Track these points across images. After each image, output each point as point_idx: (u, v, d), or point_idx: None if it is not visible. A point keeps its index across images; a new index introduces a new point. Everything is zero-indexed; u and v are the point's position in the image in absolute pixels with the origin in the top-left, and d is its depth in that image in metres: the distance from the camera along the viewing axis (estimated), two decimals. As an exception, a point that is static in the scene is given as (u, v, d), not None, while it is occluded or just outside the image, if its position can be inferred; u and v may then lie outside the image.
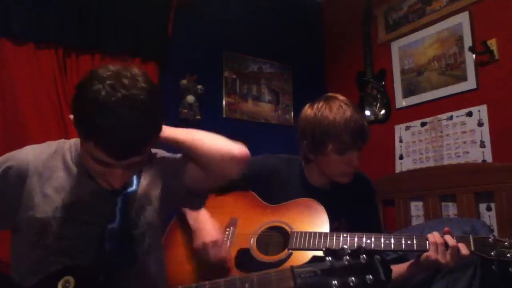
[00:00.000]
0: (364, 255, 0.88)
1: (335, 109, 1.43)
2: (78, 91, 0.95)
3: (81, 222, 1.05)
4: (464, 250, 1.21)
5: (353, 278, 0.86)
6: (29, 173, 1.05)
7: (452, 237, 1.24)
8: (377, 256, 0.88)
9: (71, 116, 0.99)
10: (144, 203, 1.15)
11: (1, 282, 1.05)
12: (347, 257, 0.88)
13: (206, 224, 1.45)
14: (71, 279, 0.95)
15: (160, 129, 1.02)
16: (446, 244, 1.22)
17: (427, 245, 1.26)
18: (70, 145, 1.13)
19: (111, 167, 0.97)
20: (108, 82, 0.91)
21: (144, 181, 1.17)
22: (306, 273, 0.89)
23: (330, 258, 0.89)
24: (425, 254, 1.26)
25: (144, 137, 0.95)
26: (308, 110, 1.51)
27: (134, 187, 1.13)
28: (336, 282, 0.86)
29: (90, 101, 0.91)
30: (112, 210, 1.08)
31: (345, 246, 0.92)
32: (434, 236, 1.25)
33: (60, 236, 1.03)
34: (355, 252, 0.89)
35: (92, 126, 0.91)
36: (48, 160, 1.08)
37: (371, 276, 0.86)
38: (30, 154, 1.08)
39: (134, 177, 1.14)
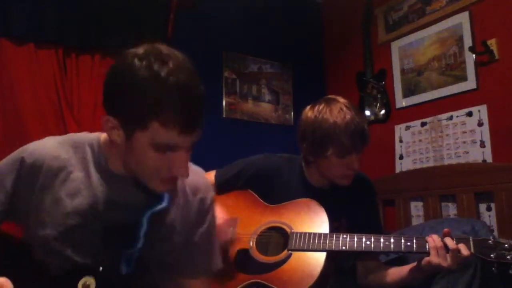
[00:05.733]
0: None
1: (335, 112, 1.42)
2: (118, 77, 0.89)
3: (92, 231, 0.96)
4: (464, 251, 1.21)
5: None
6: (43, 170, 0.96)
7: (452, 239, 1.24)
8: None
9: (106, 118, 0.90)
10: (172, 230, 1.04)
11: (23, 261, 0.99)
12: None
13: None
14: (91, 280, 0.90)
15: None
16: (446, 247, 1.22)
17: (427, 246, 1.26)
18: (92, 143, 1.02)
19: (177, 149, 0.89)
20: (150, 56, 0.87)
21: (180, 204, 1.06)
22: None
23: None
24: (427, 258, 1.26)
25: (204, 101, 0.89)
26: (308, 112, 1.50)
27: (164, 203, 1.01)
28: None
29: (143, 79, 0.84)
30: (134, 229, 0.97)
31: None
32: (434, 240, 1.24)
33: (67, 243, 0.95)
34: None
35: (156, 102, 0.83)
36: (67, 159, 0.99)
37: None
38: (48, 150, 0.99)
39: (165, 193, 1.02)
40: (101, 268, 0.92)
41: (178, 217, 1.06)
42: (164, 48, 0.90)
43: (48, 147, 1.00)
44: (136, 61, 0.86)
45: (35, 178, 0.97)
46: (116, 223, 0.97)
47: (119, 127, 0.89)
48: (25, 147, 1.01)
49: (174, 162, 0.90)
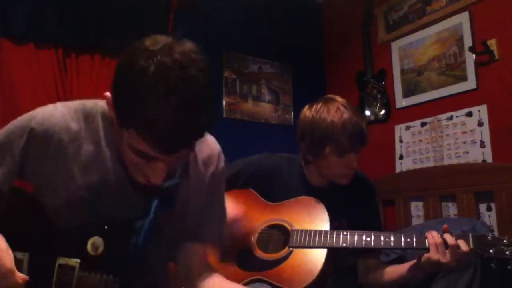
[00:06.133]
0: None
1: (333, 111, 1.43)
2: (121, 67, 0.80)
3: (102, 204, 0.95)
4: (464, 247, 1.21)
5: None
6: (53, 141, 0.93)
7: (451, 235, 1.24)
8: None
9: (108, 94, 0.84)
10: (184, 204, 1.04)
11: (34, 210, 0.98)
12: None
13: None
14: (99, 240, 0.90)
15: (216, 115, 0.89)
16: (445, 243, 1.22)
17: (426, 243, 1.26)
18: (104, 113, 0.96)
19: (154, 160, 0.83)
20: (158, 57, 0.76)
21: (192, 176, 1.04)
22: None
23: None
24: (426, 255, 1.26)
25: (202, 127, 0.81)
26: (306, 112, 1.51)
27: (176, 179, 0.97)
28: None
29: (136, 81, 0.75)
30: (145, 205, 0.95)
31: None
32: (433, 237, 1.25)
33: (77, 214, 0.94)
34: None
35: (137, 113, 0.76)
36: (78, 131, 0.94)
37: None
38: (58, 120, 0.94)
39: (178, 168, 0.98)
40: (106, 227, 0.92)
41: (190, 191, 1.04)
42: (181, 53, 0.78)
43: (58, 116, 0.95)
44: (142, 60, 0.76)
45: (45, 149, 0.93)
46: (127, 197, 0.96)
47: (114, 110, 0.84)
48: (33, 114, 0.96)
49: (149, 169, 0.86)
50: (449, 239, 1.23)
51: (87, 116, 0.96)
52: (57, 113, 0.96)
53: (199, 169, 1.06)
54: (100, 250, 0.90)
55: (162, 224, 0.99)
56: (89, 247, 0.90)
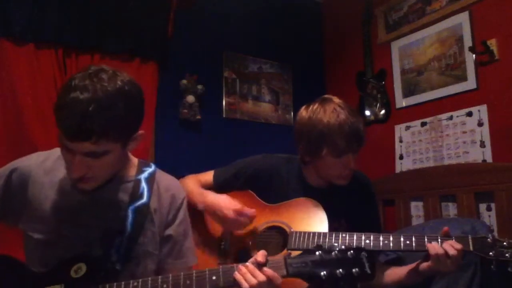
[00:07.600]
0: (351, 251, 0.96)
1: (329, 112, 1.42)
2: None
3: (80, 225, 1.08)
4: (460, 254, 1.21)
5: (340, 270, 0.94)
6: (32, 178, 1.11)
7: (452, 243, 1.24)
8: (364, 253, 0.97)
9: None
10: (152, 222, 1.16)
11: (15, 269, 1.08)
12: (336, 252, 0.97)
13: (222, 197, 1.49)
14: (82, 265, 1.02)
15: (123, 134, 1.02)
16: (447, 254, 1.22)
17: (425, 243, 1.26)
18: None
19: (71, 152, 0.99)
20: (89, 72, 0.97)
21: (155, 200, 1.18)
22: (298, 263, 0.99)
23: (320, 252, 0.97)
24: (427, 264, 1.26)
25: (98, 126, 0.94)
26: (303, 112, 1.50)
27: (145, 199, 1.15)
28: (324, 272, 0.95)
29: (65, 84, 0.98)
30: (121, 221, 1.10)
31: (336, 244, 1.01)
32: (434, 248, 1.24)
33: (62, 236, 1.07)
34: (344, 249, 0.98)
35: (56, 105, 0.96)
36: (52, 165, 1.13)
37: (357, 269, 0.94)
38: (34, 161, 1.14)
39: (145, 190, 1.16)
40: (87, 251, 1.04)
41: (155, 211, 1.17)
42: (107, 73, 0.99)
43: (35, 157, 1.16)
44: (80, 72, 0.99)
45: (26, 182, 1.10)
46: (105, 215, 1.10)
47: None
48: (15, 161, 1.16)
49: (71, 164, 1.00)
50: (450, 250, 1.21)
51: (60, 156, 1.11)
52: (33, 155, 1.17)
53: (161, 193, 1.20)
54: (83, 271, 1.01)
55: (142, 238, 1.12)
56: (72, 272, 1.01)
